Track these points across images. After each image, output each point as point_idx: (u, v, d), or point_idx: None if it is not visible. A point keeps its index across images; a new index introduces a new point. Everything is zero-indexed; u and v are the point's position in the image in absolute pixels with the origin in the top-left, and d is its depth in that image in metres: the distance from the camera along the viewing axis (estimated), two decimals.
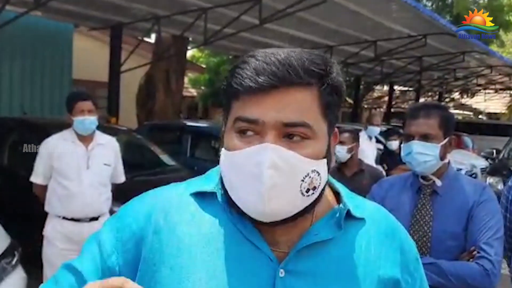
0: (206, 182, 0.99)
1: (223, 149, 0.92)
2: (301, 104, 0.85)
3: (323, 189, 0.92)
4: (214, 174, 1.00)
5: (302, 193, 0.87)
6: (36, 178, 3.62)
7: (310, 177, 0.87)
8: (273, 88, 0.84)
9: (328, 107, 0.89)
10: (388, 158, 6.47)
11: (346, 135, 3.94)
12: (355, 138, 4.00)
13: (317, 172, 0.88)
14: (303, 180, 0.86)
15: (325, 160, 0.91)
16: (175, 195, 0.98)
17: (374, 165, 6.45)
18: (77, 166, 3.50)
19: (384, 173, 4.16)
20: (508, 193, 2.47)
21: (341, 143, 3.86)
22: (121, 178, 3.88)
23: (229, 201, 0.92)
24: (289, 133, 0.86)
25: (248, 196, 0.86)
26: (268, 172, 0.83)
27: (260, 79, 0.83)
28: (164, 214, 0.95)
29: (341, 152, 3.87)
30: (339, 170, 3.89)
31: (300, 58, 0.85)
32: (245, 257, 0.91)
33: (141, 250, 0.93)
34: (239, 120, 0.87)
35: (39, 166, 3.60)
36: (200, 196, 0.97)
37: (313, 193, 0.89)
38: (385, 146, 7.44)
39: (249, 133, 0.87)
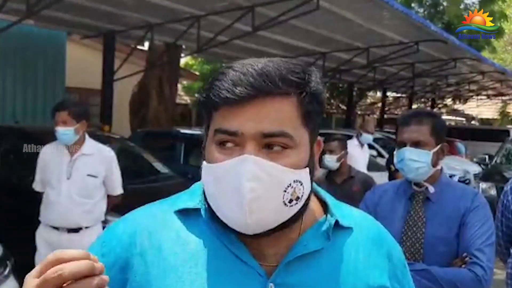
0: (190, 198, 0.97)
1: (204, 162, 0.91)
2: (279, 114, 0.84)
3: (308, 199, 0.91)
4: (198, 188, 0.98)
5: (285, 204, 0.86)
6: (35, 185, 3.69)
7: (292, 187, 0.86)
8: (251, 98, 0.83)
9: (308, 116, 0.88)
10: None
11: (335, 143, 3.92)
12: (344, 146, 3.99)
13: (300, 182, 0.87)
14: (285, 191, 0.85)
15: (307, 169, 0.89)
16: (160, 213, 0.97)
17: (365, 171, 6.47)
18: (59, 175, 3.48)
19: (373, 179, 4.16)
20: (504, 198, 2.48)
21: (330, 152, 3.85)
22: (117, 190, 3.76)
23: (213, 215, 0.91)
24: (269, 144, 0.85)
25: (229, 209, 0.85)
26: (248, 185, 0.82)
27: (237, 90, 0.83)
28: (149, 233, 0.93)
29: (330, 161, 3.85)
30: (327, 178, 3.88)
31: (278, 68, 0.85)
32: (233, 274, 0.89)
33: (127, 274, 0.91)
34: (218, 132, 0.86)
35: (36, 174, 3.67)
36: (185, 213, 0.95)
37: (297, 203, 0.87)
38: (391, 148, 7.51)
39: (229, 144, 0.86)
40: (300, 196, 0.87)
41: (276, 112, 0.84)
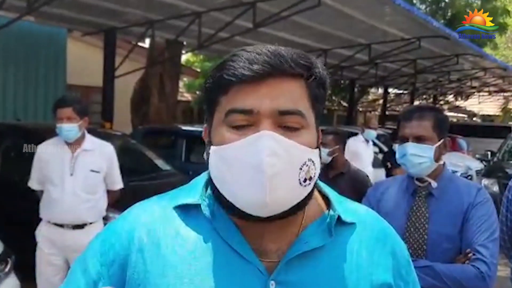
0: (189, 194, 0.96)
1: (212, 147, 0.89)
2: (293, 93, 0.86)
3: (314, 187, 0.91)
4: (199, 183, 0.97)
5: (300, 183, 0.86)
6: (32, 183, 3.65)
7: (307, 165, 0.86)
8: (266, 76, 0.84)
9: (316, 100, 0.90)
10: (393, 157, 6.49)
11: (330, 137, 3.87)
12: (339, 141, 3.92)
13: (313, 161, 0.87)
14: (301, 169, 0.85)
15: (317, 151, 0.90)
16: (159, 209, 0.95)
17: (370, 168, 6.45)
18: (61, 172, 3.46)
19: (369, 177, 4.08)
20: (509, 193, 2.47)
21: (324, 145, 3.81)
22: (117, 185, 3.76)
23: (220, 201, 0.90)
24: (284, 122, 0.85)
25: (246, 189, 0.83)
26: (269, 160, 0.81)
27: (254, 67, 0.83)
28: (148, 230, 0.92)
29: (322, 154, 3.80)
30: (323, 171, 3.84)
31: (288, 51, 0.87)
32: (234, 271, 0.88)
33: (127, 271, 0.90)
34: (232, 112, 0.85)
35: (33, 172, 3.62)
36: (184, 209, 0.94)
37: (309, 183, 0.87)
38: (390, 146, 7.51)
39: (243, 124, 0.85)
40: (312, 176, 0.88)
41: (290, 91, 0.86)
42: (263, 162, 0.81)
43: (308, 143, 0.87)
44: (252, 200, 0.84)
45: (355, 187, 3.64)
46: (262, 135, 0.82)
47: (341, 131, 4.22)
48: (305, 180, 0.86)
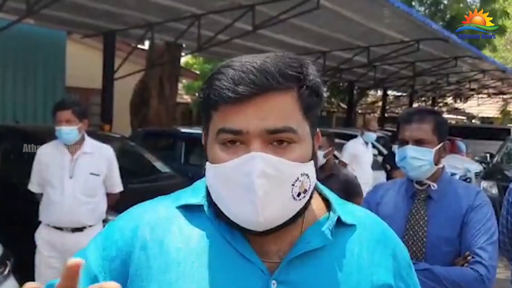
0: (193, 195, 0.97)
1: (208, 163, 0.90)
2: (283, 109, 0.85)
3: (312, 193, 0.91)
4: (201, 185, 0.98)
5: (294, 198, 0.86)
6: (31, 186, 3.65)
7: (300, 180, 0.86)
8: (254, 96, 0.83)
9: (309, 109, 0.89)
10: (392, 159, 6.50)
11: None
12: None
13: (306, 175, 0.88)
14: (293, 185, 0.85)
15: (312, 162, 0.90)
16: (162, 208, 0.96)
17: (370, 170, 6.45)
18: (61, 174, 3.46)
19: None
20: (509, 195, 2.48)
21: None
22: (117, 188, 3.76)
23: (217, 213, 0.91)
24: (275, 140, 0.85)
25: (239, 207, 0.85)
26: (259, 182, 0.82)
27: (239, 89, 0.82)
28: (151, 228, 0.93)
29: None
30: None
31: (276, 63, 0.85)
32: (236, 270, 0.89)
33: (128, 267, 0.91)
34: (222, 131, 0.86)
35: (33, 175, 3.62)
36: (187, 209, 0.95)
37: (304, 196, 0.88)
38: (390, 148, 7.52)
39: (234, 143, 0.86)
40: (307, 189, 0.88)
41: (279, 108, 0.85)
42: (254, 184, 0.82)
43: (300, 157, 0.87)
44: (246, 218, 0.85)
45: (345, 188, 3.68)
46: (251, 157, 0.83)
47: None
48: (299, 194, 0.87)
